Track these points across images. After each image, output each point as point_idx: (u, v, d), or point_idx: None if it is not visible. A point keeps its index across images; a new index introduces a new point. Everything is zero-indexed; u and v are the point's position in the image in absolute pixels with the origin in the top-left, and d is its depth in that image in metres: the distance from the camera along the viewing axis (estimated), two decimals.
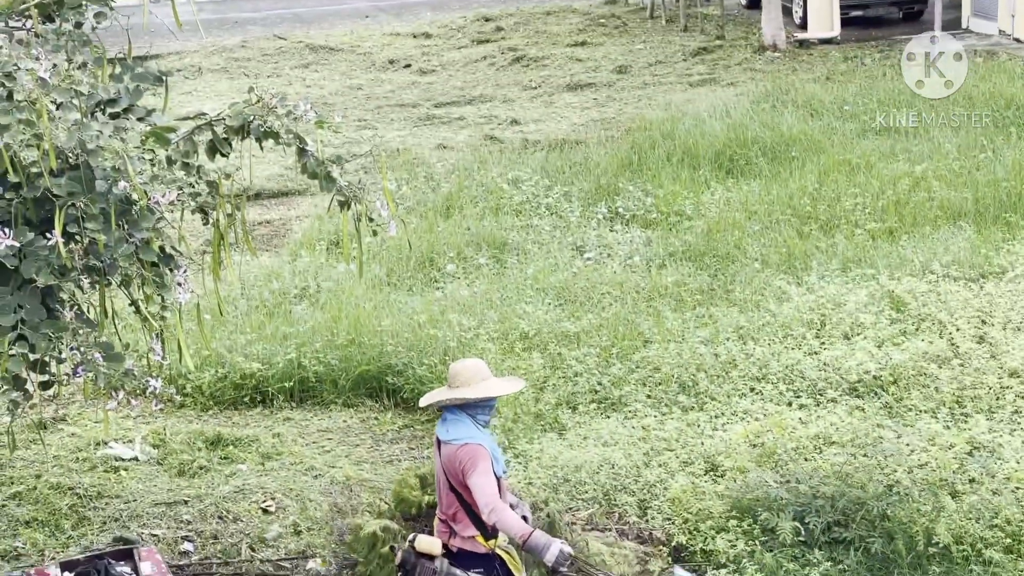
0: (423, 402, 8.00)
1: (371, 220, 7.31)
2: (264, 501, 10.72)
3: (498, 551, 7.82)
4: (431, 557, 7.71)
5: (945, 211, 17.09)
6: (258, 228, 19.51)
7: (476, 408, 7.77)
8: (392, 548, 8.58)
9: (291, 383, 13.33)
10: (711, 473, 10.63)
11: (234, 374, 13.35)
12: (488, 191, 19.81)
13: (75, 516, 10.54)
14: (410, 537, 7.90)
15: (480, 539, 7.76)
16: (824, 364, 12.56)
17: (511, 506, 7.86)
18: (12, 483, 11.14)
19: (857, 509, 9.54)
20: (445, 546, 7.80)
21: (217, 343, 13.70)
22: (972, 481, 10.08)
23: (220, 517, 10.51)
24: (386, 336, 13.75)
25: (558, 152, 22.03)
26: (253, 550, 10.01)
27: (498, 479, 7.67)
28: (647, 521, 10.06)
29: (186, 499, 10.80)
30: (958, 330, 12.92)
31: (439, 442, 7.81)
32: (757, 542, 9.50)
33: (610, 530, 9.91)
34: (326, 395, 13.33)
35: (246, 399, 13.27)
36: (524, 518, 7.94)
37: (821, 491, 9.75)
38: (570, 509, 10.12)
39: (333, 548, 9.52)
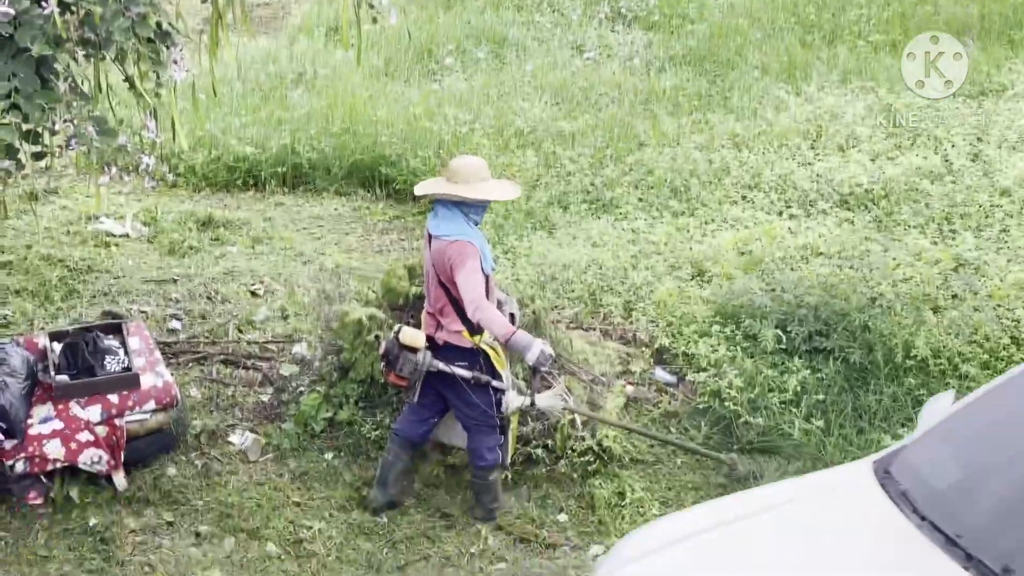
0: (419, 190, 7.95)
1: (371, 7, 7.22)
2: (253, 284, 10.80)
3: (483, 346, 7.88)
4: (414, 349, 7.78)
5: (950, 26, 16.86)
6: (257, 9, 19.29)
7: (470, 207, 7.76)
8: (376, 338, 8.67)
9: (284, 168, 13.35)
10: (697, 278, 10.70)
11: (227, 156, 13.36)
12: None
13: (64, 288, 10.64)
14: (395, 328, 7.95)
15: (465, 334, 7.80)
16: (817, 175, 12.56)
17: (499, 303, 7.91)
18: (3, 252, 11.21)
19: (839, 320, 9.60)
20: (430, 338, 7.85)
21: (212, 124, 13.67)
22: (954, 297, 10.15)
23: (209, 297, 10.61)
24: (381, 126, 13.73)
25: None
26: (240, 331, 10.12)
27: (486, 276, 7.70)
28: (631, 322, 10.13)
29: (175, 278, 10.89)
30: (953, 146, 12.89)
31: (430, 236, 7.81)
32: (739, 348, 9.57)
33: (594, 329, 9.99)
34: (319, 182, 13.35)
35: (239, 182, 13.30)
36: (511, 315, 8.00)
37: (805, 300, 9.79)
38: (556, 307, 10.19)
39: (319, 333, 9.60)
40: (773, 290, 10.08)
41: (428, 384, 7.92)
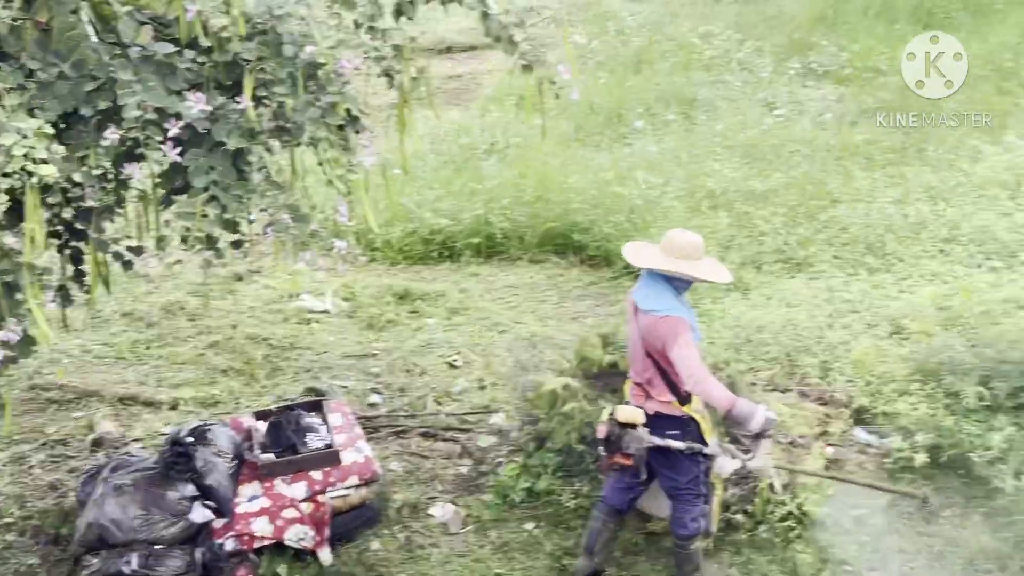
0: (633, 260, 7.93)
1: (553, 83, 7.31)
2: (450, 356, 10.95)
3: (693, 414, 7.88)
4: (634, 426, 7.79)
5: None
6: (447, 83, 19.63)
7: (681, 281, 7.77)
8: (591, 425, 8.69)
9: (479, 239, 13.51)
10: (895, 336, 10.53)
11: (423, 229, 13.58)
12: (679, 45, 19.61)
13: (268, 366, 10.92)
14: (609, 410, 7.95)
15: (675, 404, 7.80)
16: (1018, 226, 12.28)
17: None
18: (210, 332, 11.56)
19: None
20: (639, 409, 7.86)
21: (407, 198, 13.90)
22: None
23: (407, 370, 10.78)
24: (572, 193, 13.82)
25: (752, 5, 21.63)
26: (439, 403, 10.26)
27: None
28: (829, 383, 10.02)
29: (375, 352, 11.10)
30: None
31: (636, 308, 7.83)
32: (940, 405, 9.41)
33: (791, 391, 9.90)
34: (512, 251, 13.47)
35: (434, 254, 13.51)
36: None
37: (1008, 355, 9.55)
38: (751, 369, 10.13)
39: (516, 404, 9.69)
40: (974, 346, 9.85)
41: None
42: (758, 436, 7.78)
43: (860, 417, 9.70)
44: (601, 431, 7.80)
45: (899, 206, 13.01)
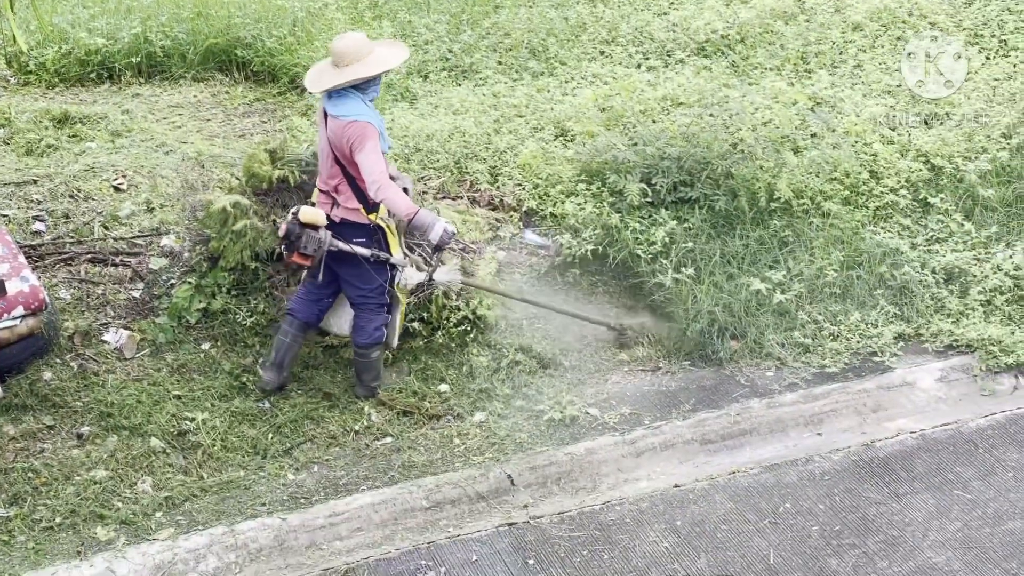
0: (312, 86, 7.85)
1: None
2: (115, 179, 10.64)
3: (380, 222, 7.90)
4: (315, 227, 7.75)
5: None
6: None
7: (366, 83, 7.72)
8: (274, 221, 8.62)
9: (138, 58, 13.03)
10: (560, 138, 10.71)
11: (78, 50, 13.01)
12: None
13: None
14: (292, 208, 7.90)
15: (362, 211, 7.80)
16: (673, 24, 12.60)
17: (392, 178, 7.88)
18: None
19: (702, 168, 9.71)
20: (327, 216, 7.83)
21: (59, 17, 13.30)
22: (813, 136, 10.32)
23: (71, 196, 10.42)
24: (233, 7, 13.45)
25: None
26: (106, 228, 9.97)
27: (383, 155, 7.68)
28: (498, 188, 10.16)
29: (35, 178, 10.67)
30: None
31: (326, 114, 7.75)
32: (605, 204, 9.66)
33: (462, 198, 10.00)
34: (174, 70, 13.07)
35: (92, 75, 12.98)
36: (405, 190, 8.00)
37: (668, 152, 9.85)
38: (422, 179, 10.17)
39: (186, 224, 9.51)
40: (636, 144, 10.11)
41: (324, 263, 7.93)
42: (438, 248, 7.90)
43: (530, 219, 9.88)
44: (281, 229, 7.79)
45: (560, 9, 13.12)
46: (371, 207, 7.80)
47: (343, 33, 8.06)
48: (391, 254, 8.00)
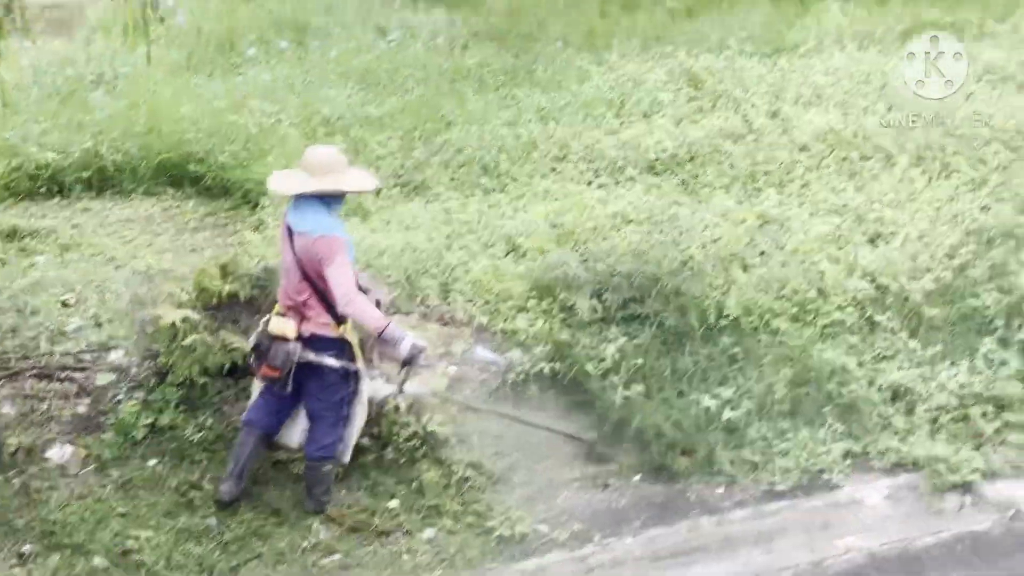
0: (279, 189, 7.88)
1: (156, 8, 7.15)
2: (63, 294, 10.59)
3: (347, 336, 7.91)
4: (285, 339, 7.76)
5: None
6: (48, 12, 18.80)
7: (333, 198, 7.76)
8: (223, 338, 8.61)
9: (89, 172, 13.03)
10: (512, 254, 10.78)
11: (28, 164, 12.99)
12: None
13: None
14: (263, 320, 7.91)
15: (332, 325, 7.81)
16: (623, 143, 12.74)
17: (364, 291, 7.89)
18: None
19: (652, 285, 9.77)
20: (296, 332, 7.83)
21: (11, 132, 13.30)
22: (762, 254, 10.41)
23: (18, 310, 10.35)
24: (186, 123, 13.49)
25: None
26: (53, 343, 9.91)
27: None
28: (449, 303, 10.19)
29: None
30: (752, 106, 13.21)
31: (290, 230, 7.77)
32: (556, 320, 9.69)
33: (412, 313, 10.02)
34: (126, 184, 13.06)
35: (42, 190, 12.95)
36: (377, 301, 8.03)
37: (618, 269, 9.92)
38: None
39: (134, 339, 9.47)
40: (586, 260, 10.18)
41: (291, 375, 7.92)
42: (407, 362, 7.90)
43: (480, 335, 9.89)
44: (251, 341, 7.78)
45: (511, 127, 13.26)
46: (341, 320, 7.82)
47: (316, 145, 8.14)
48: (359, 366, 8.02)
